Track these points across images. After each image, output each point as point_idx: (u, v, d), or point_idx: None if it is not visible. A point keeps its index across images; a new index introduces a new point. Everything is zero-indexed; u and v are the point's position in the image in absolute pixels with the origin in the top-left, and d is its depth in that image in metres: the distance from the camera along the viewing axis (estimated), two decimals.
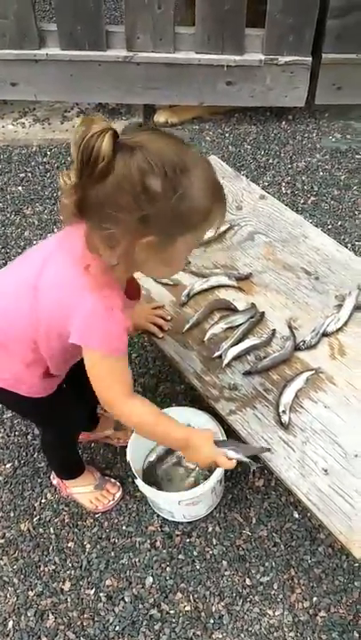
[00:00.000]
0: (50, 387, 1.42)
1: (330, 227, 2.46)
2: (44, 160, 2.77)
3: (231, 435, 1.59)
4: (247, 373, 1.59)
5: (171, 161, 1.02)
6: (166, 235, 1.10)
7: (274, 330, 1.65)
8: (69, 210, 1.10)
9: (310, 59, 2.64)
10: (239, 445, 1.41)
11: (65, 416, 1.52)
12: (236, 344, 1.63)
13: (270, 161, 2.72)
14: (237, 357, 1.61)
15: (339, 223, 2.47)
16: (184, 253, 1.21)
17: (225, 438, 1.59)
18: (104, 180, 1.01)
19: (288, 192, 2.59)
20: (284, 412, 1.50)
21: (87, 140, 0.98)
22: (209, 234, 1.15)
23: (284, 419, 1.49)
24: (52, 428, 1.62)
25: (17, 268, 1.34)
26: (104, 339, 1.19)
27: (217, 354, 1.62)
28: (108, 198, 1.04)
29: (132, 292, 1.33)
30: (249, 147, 2.79)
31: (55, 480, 1.80)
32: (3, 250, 2.44)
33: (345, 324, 1.65)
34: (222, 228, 1.88)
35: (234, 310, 1.70)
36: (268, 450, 1.43)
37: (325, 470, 1.42)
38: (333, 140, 2.82)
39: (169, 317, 1.71)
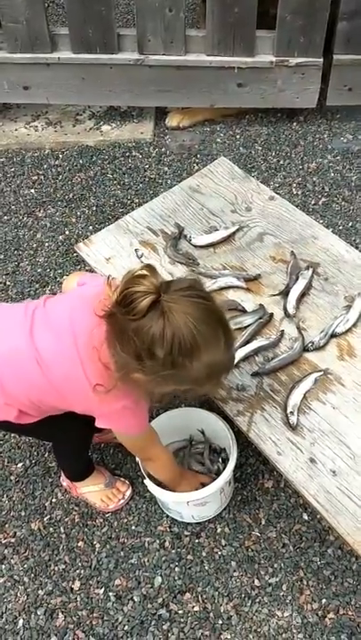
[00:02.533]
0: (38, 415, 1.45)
1: (341, 228, 2.45)
2: (57, 163, 2.80)
3: (238, 435, 1.59)
4: (255, 374, 1.59)
5: (181, 342, 1.12)
6: (156, 382, 1.21)
7: (282, 331, 1.66)
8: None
9: (321, 60, 2.63)
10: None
11: (67, 430, 1.55)
12: (245, 345, 1.63)
13: (281, 162, 2.72)
14: (246, 358, 1.62)
15: (350, 224, 2.46)
16: (170, 391, 1.31)
17: (234, 438, 1.60)
18: (129, 323, 1.13)
19: (299, 193, 2.59)
20: (292, 413, 1.50)
21: (131, 291, 1.11)
22: None
23: (293, 420, 1.49)
24: (62, 439, 1.64)
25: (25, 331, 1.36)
26: (127, 428, 1.40)
27: None
28: (122, 337, 1.16)
29: None
30: (260, 148, 2.79)
31: (65, 482, 1.82)
32: (15, 252, 2.47)
33: (354, 325, 1.64)
34: (232, 230, 1.89)
35: (242, 311, 1.70)
36: None
37: (333, 471, 1.41)
38: (345, 140, 2.80)
39: None
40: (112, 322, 1.18)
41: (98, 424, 1.36)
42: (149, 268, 1.16)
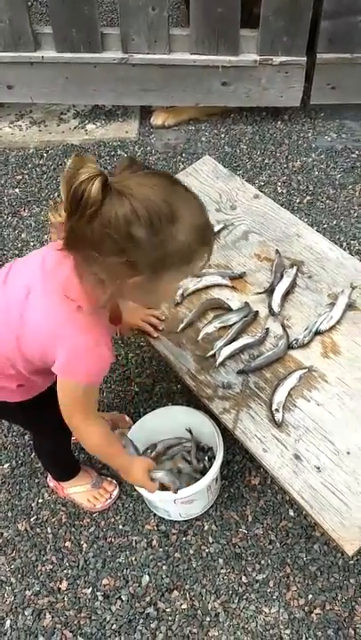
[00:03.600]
0: (28, 393, 1.43)
1: (325, 226, 2.46)
2: (41, 162, 2.78)
3: (225, 433, 1.60)
4: (241, 372, 1.60)
5: (157, 210, 1.04)
6: (153, 272, 1.13)
7: (267, 328, 1.66)
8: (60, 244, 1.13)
9: (305, 59, 2.64)
10: (167, 474, 1.59)
11: (51, 419, 1.53)
12: (230, 343, 1.64)
13: (266, 161, 2.73)
14: (231, 356, 1.62)
15: (334, 222, 2.48)
16: (172, 286, 1.26)
17: (220, 436, 1.61)
18: (92, 222, 1.04)
19: (284, 191, 2.60)
20: (277, 410, 1.51)
21: (77, 185, 1.01)
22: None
23: (278, 417, 1.50)
24: (43, 432, 1.63)
25: None
26: (85, 373, 1.26)
27: (211, 353, 1.63)
28: (94, 242, 1.06)
29: (114, 317, 1.37)
30: (245, 147, 2.80)
31: (52, 483, 1.81)
32: (0, 252, 2.46)
33: (338, 322, 1.65)
34: (217, 228, 1.89)
35: (228, 309, 1.71)
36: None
37: (318, 468, 1.43)
38: (329, 139, 2.82)
39: (163, 317, 1.72)
40: (76, 239, 1.08)
41: (55, 368, 1.25)
42: (79, 157, 1.05)
